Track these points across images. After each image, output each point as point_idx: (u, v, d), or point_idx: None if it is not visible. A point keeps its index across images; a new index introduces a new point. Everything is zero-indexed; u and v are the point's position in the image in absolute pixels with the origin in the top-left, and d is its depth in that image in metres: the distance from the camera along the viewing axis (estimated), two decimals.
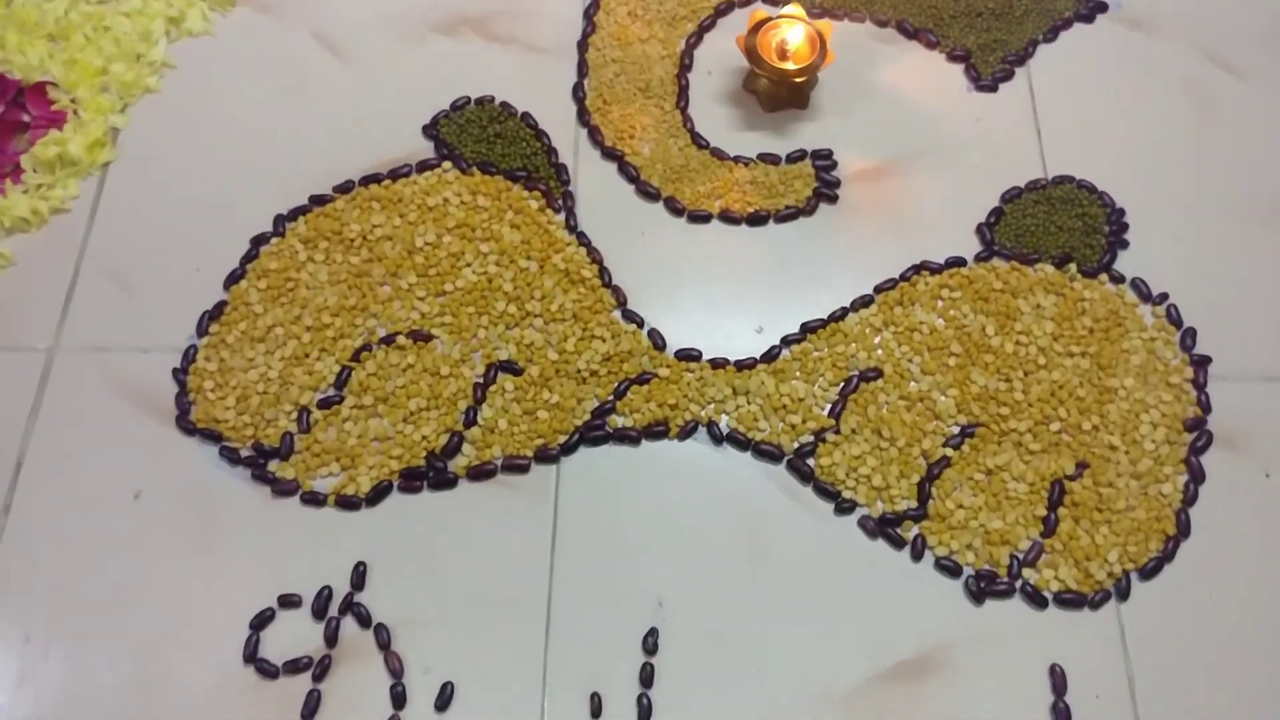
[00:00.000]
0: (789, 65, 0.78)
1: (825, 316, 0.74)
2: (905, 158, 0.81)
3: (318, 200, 0.79)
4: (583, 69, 0.84)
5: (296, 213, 0.78)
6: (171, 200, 0.80)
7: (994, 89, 0.84)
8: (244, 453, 0.70)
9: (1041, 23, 0.86)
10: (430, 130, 0.82)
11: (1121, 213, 0.78)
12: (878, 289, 0.75)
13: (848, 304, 0.75)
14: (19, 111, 0.82)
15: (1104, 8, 0.87)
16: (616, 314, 0.75)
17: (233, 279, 0.76)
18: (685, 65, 0.85)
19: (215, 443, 0.70)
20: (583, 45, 0.85)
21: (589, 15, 0.87)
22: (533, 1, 0.88)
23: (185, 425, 0.71)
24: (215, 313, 0.75)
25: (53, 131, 0.81)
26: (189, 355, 0.73)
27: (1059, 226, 0.77)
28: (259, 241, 0.77)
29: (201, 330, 0.74)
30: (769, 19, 0.80)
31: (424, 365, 0.73)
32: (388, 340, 0.73)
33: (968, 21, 0.86)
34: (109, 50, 0.85)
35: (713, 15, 0.87)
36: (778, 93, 0.82)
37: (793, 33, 0.79)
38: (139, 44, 0.85)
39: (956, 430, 0.70)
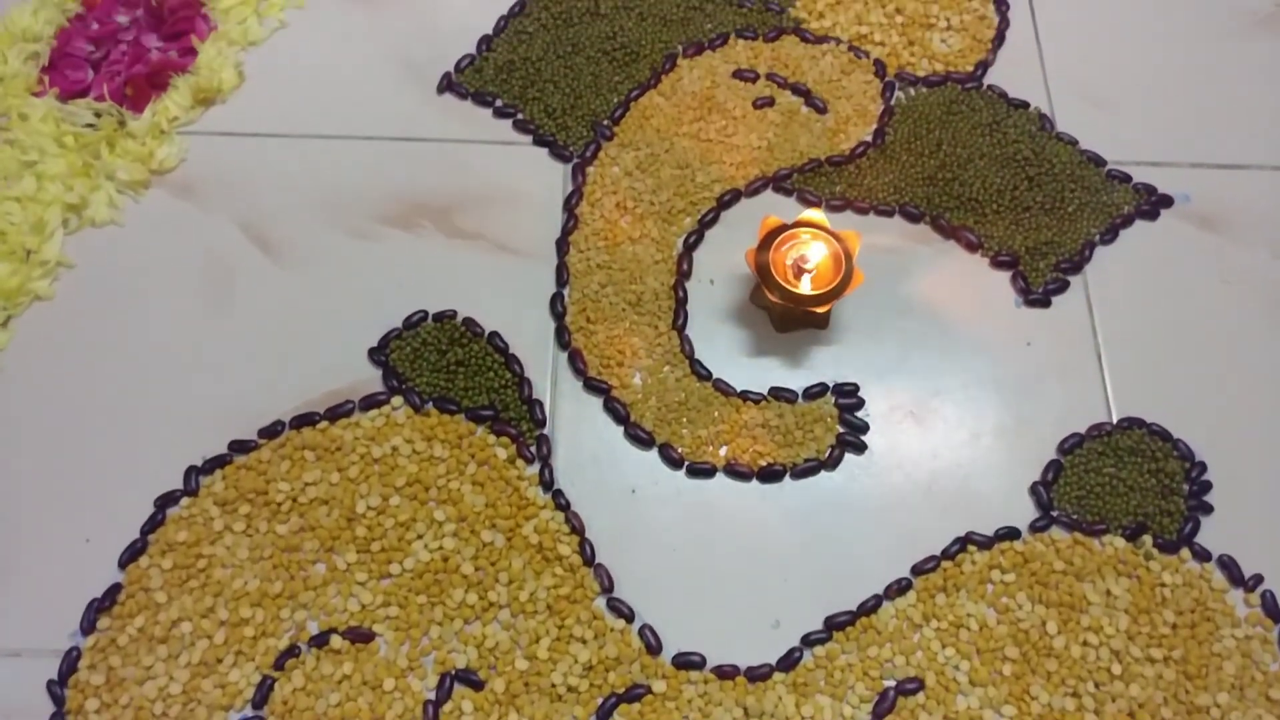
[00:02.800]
0: (807, 289, 0.67)
1: (854, 608, 0.63)
2: (943, 393, 0.70)
3: (239, 447, 0.67)
4: (563, 275, 0.73)
5: (213, 464, 0.66)
6: (59, 443, 0.67)
7: (1046, 303, 0.73)
8: None
9: (1098, 220, 0.76)
10: (378, 355, 0.70)
11: (1202, 468, 0.67)
12: (916, 570, 0.64)
13: (880, 590, 0.64)
14: None
15: (1169, 202, 0.77)
16: (600, 602, 0.63)
17: (130, 554, 0.63)
18: (683, 272, 0.73)
19: None
20: (563, 245, 0.74)
21: (570, 207, 0.75)
22: (504, 190, 0.76)
23: None
24: (106, 602, 0.62)
25: None
26: (69, 662, 0.60)
27: (1129, 486, 0.67)
28: (165, 502, 0.65)
29: (88, 626, 0.62)
30: (783, 227, 0.69)
31: (363, 676, 0.60)
32: (320, 641, 0.61)
33: (1013, 218, 0.75)
34: None
35: (715, 207, 0.76)
36: (793, 312, 0.70)
37: (813, 250, 0.67)
38: (29, 237, 0.73)
39: None
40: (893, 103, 0.80)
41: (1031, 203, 0.76)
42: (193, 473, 0.66)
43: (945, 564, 0.64)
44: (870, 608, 0.63)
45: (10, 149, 0.76)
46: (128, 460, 0.67)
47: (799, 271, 0.68)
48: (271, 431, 0.67)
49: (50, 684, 0.60)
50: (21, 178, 0.75)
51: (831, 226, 0.69)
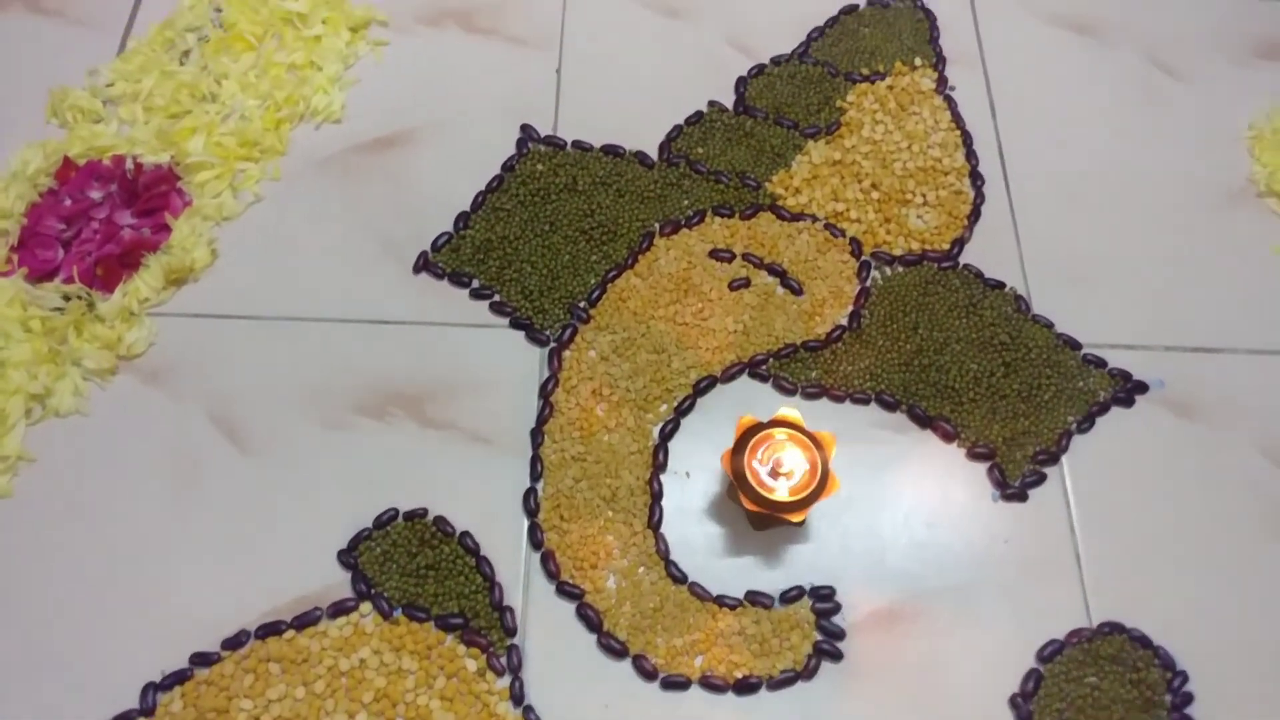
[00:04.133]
0: (784, 490, 0.67)
1: None
2: (920, 596, 0.70)
3: (201, 660, 0.66)
4: (537, 468, 0.73)
5: (172, 680, 0.65)
6: (7, 655, 0.66)
7: (1024, 498, 0.74)
8: None
9: (1075, 407, 0.77)
10: (348, 557, 0.70)
11: (1184, 677, 0.67)
12: None
13: None
14: None
15: (1144, 388, 0.78)
16: None
17: None
18: (659, 464, 0.74)
19: None
20: (537, 435, 0.74)
21: (545, 394, 0.76)
22: (479, 375, 0.77)
23: None
24: None
25: None
26: None
27: (1110, 698, 0.67)
28: None
29: None
30: (759, 426, 0.69)
31: None
32: None
33: (990, 406, 0.76)
34: None
35: (691, 395, 0.76)
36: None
37: (789, 455, 0.68)
38: None
39: None
40: (869, 283, 0.82)
41: (1008, 390, 0.77)
42: (150, 689, 0.65)
43: None
44: None
45: None
46: (83, 674, 0.66)
47: (775, 473, 0.68)
48: (236, 642, 0.67)
49: None
50: None
51: (806, 422, 0.69)
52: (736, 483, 0.68)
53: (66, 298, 0.78)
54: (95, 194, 0.83)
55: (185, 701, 0.65)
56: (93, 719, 0.64)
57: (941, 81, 0.93)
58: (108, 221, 0.82)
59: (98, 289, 0.79)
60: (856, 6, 0.98)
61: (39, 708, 0.64)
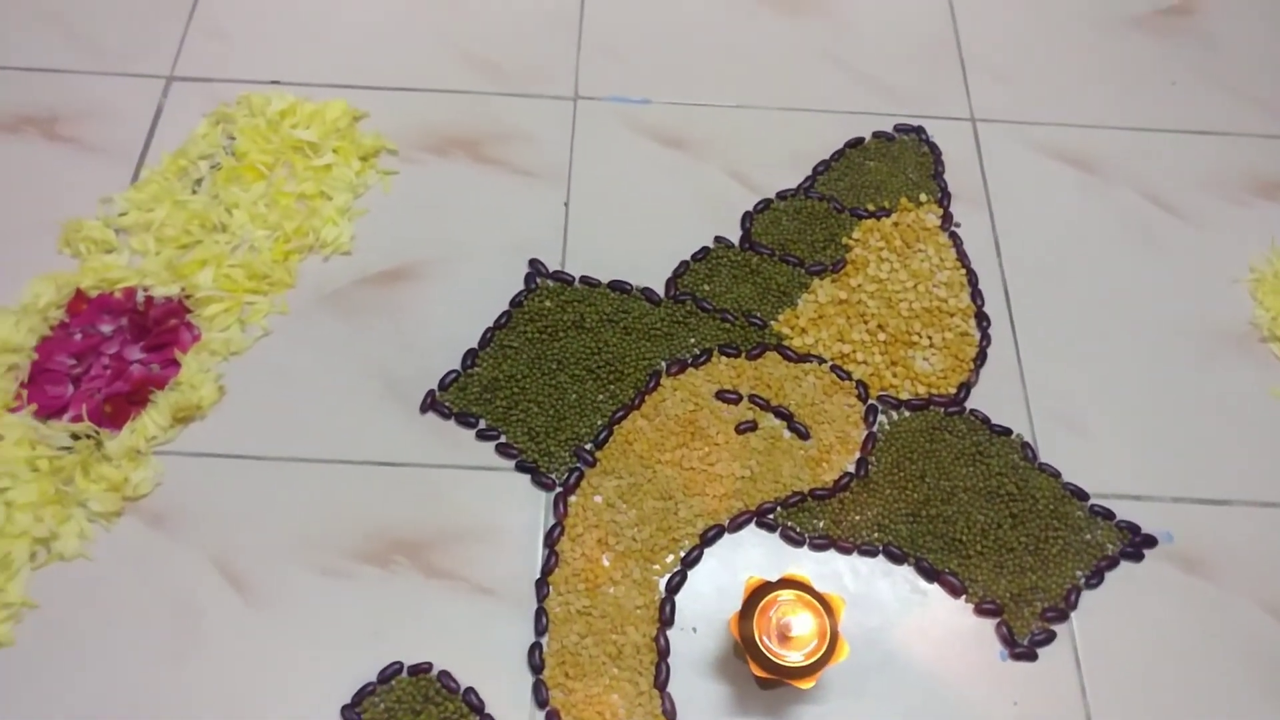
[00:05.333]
0: (791, 659, 0.68)
1: None
2: None
3: None
4: (541, 623, 0.74)
5: None
6: None
7: (1033, 657, 0.74)
8: None
9: (1083, 561, 0.78)
10: (350, 713, 0.70)
11: None
12: None
13: None
14: None
15: (1153, 542, 0.79)
16: None
17: None
18: (665, 618, 0.74)
19: None
20: (542, 586, 0.75)
21: (550, 543, 0.77)
22: (484, 521, 0.78)
23: None
24: None
25: None
26: None
27: None
28: None
29: None
30: (767, 587, 0.70)
31: None
32: None
33: (997, 559, 0.77)
34: None
35: (699, 545, 0.77)
36: None
37: (798, 620, 0.69)
38: None
39: None
40: (875, 428, 0.83)
41: (1015, 543, 0.78)
42: None
43: None
44: None
45: None
46: None
47: (783, 636, 0.69)
48: None
49: None
50: None
51: (814, 578, 0.70)
52: (745, 649, 0.68)
53: (75, 436, 0.79)
54: (106, 328, 0.85)
55: None
56: None
57: (946, 218, 0.95)
58: (117, 357, 0.83)
59: (105, 427, 0.80)
60: (862, 139, 1.00)
61: None
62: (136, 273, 0.88)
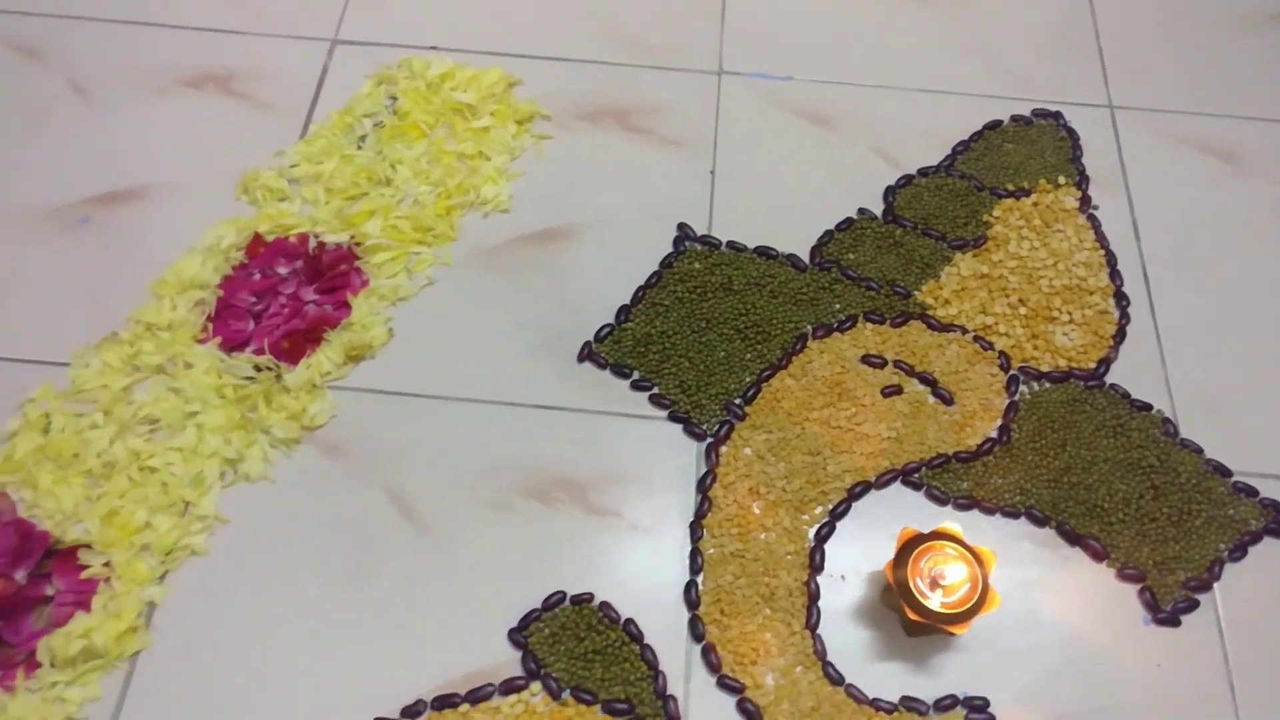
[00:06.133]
0: (944, 606, 0.71)
1: None
2: (1073, 715, 0.73)
3: None
4: (696, 562, 0.78)
5: None
6: (206, 710, 0.72)
7: (1176, 623, 0.77)
8: None
9: (1226, 535, 0.80)
10: (517, 636, 0.74)
11: None
12: None
13: None
14: (42, 583, 0.75)
15: None
16: None
17: None
18: (815, 566, 0.78)
19: None
20: (696, 530, 0.79)
21: (703, 489, 0.81)
22: (639, 466, 0.82)
23: None
24: None
25: (78, 616, 0.74)
26: None
27: None
28: None
29: None
30: (920, 538, 0.73)
31: None
32: None
33: (1139, 529, 0.80)
34: (154, 498, 0.79)
35: (846, 499, 0.81)
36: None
37: (951, 569, 0.72)
38: (189, 490, 0.79)
39: None
40: (1017, 398, 0.86)
41: (1158, 513, 0.80)
42: None
43: None
44: None
45: (175, 398, 0.83)
46: None
47: (934, 584, 0.72)
48: (414, 711, 0.71)
49: None
50: (184, 429, 0.82)
51: (965, 537, 0.73)
52: (899, 593, 0.72)
53: (257, 368, 0.85)
54: (282, 270, 0.90)
55: None
56: None
57: (1085, 201, 0.98)
58: (294, 297, 0.89)
59: (284, 361, 0.85)
60: (1000, 122, 1.03)
61: None
62: (308, 220, 0.93)
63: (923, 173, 0.99)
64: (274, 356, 0.85)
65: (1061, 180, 0.99)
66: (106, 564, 0.76)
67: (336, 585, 0.76)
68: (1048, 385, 0.87)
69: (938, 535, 0.74)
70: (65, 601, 0.75)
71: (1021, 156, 1.01)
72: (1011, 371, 0.87)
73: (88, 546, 0.76)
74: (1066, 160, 1.01)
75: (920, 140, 1.02)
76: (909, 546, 0.73)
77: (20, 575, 0.75)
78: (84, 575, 0.75)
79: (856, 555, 0.79)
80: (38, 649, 0.73)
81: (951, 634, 0.74)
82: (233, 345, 0.86)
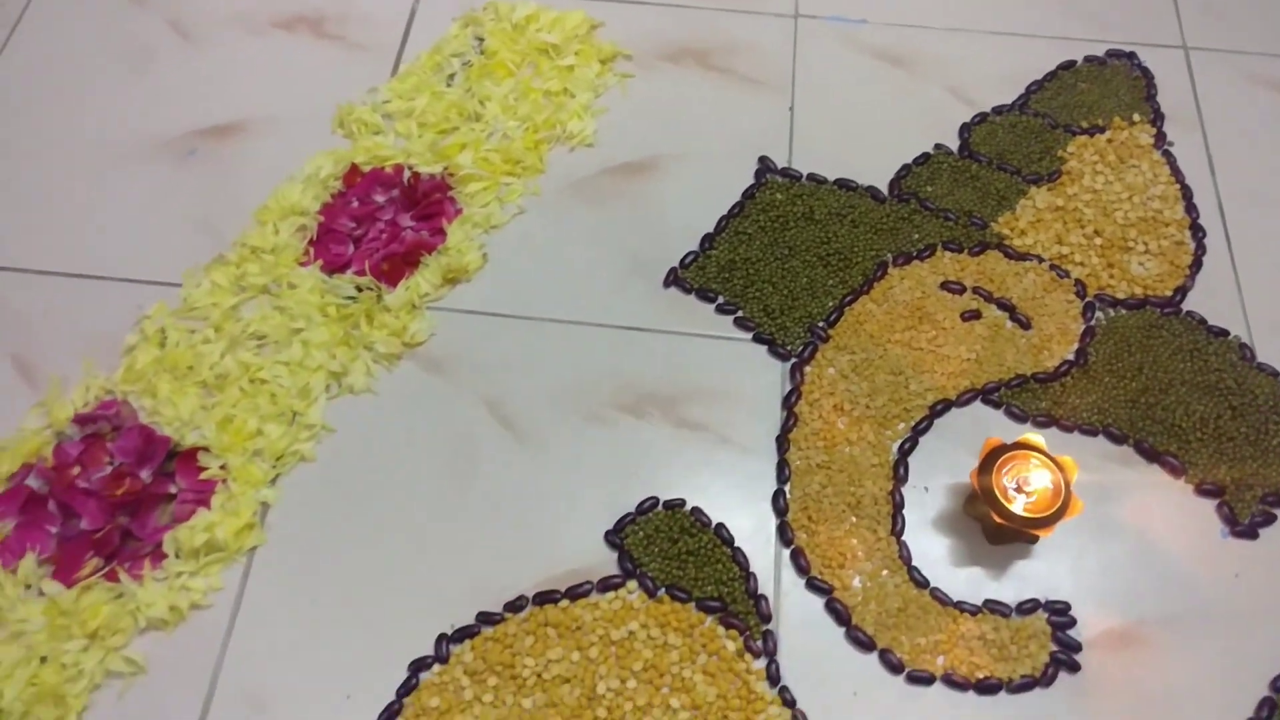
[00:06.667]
0: (1027, 510, 0.74)
1: None
2: (1153, 621, 0.75)
3: (486, 619, 0.75)
4: (784, 472, 0.81)
5: (462, 634, 0.74)
6: (320, 601, 0.76)
7: (1254, 535, 0.79)
8: None
9: None
10: (613, 537, 0.78)
11: None
12: None
13: None
14: (166, 482, 0.80)
15: None
16: None
17: (388, 716, 0.71)
18: (899, 477, 0.81)
19: None
20: (783, 443, 0.82)
21: (789, 405, 0.84)
22: (726, 383, 0.85)
23: None
24: None
25: (200, 513, 0.78)
26: None
27: None
28: (418, 667, 0.73)
29: None
30: (1002, 448, 0.76)
31: None
32: None
33: (1216, 447, 0.82)
34: (264, 408, 0.83)
35: (928, 416, 0.83)
36: (1006, 527, 0.77)
37: (1036, 476, 0.74)
38: (297, 401, 0.83)
39: None
40: (1093, 323, 0.88)
41: (1235, 433, 0.82)
42: (443, 640, 0.74)
43: None
44: None
45: (280, 315, 0.87)
46: (382, 621, 0.75)
47: (1019, 490, 0.75)
48: (516, 606, 0.75)
49: None
50: (290, 344, 0.86)
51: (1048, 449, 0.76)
52: (985, 499, 0.74)
53: (359, 289, 0.89)
54: (379, 198, 0.94)
55: (475, 654, 0.73)
56: (396, 660, 0.73)
57: (1160, 138, 0.99)
58: (391, 223, 0.93)
59: (383, 283, 0.89)
60: (1074, 63, 1.05)
61: (349, 653, 0.74)
62: (402, 153, 0.97)
63: (997, 111, 1.01)
64: (374, 278, 0.89)
65: (1136, 118, 1.00)
66: (223, 467, 0.80)
67: (440, 490, 0.80)
68: (1124, 312, 0.89)
69: (1021, 445, 0.76)
70: (187, 499, 0.79)
71: (1095, 95, 1.02)
72: (1088, 299, 0.89)
73: (205, 450, 0.81)
74: (1141, 99, 1.02)
75: (994, 81, 1.04)
76: (993, 455, 0.76)
77: (145, 474, 0.79)
78: (203, 476, 0.80)
79: (939, 469, 0.81)
80: (164, 542, 0.77)
81: (1035, 537, 0.76)
82: (334, 268, 0.90)
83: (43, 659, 0.73)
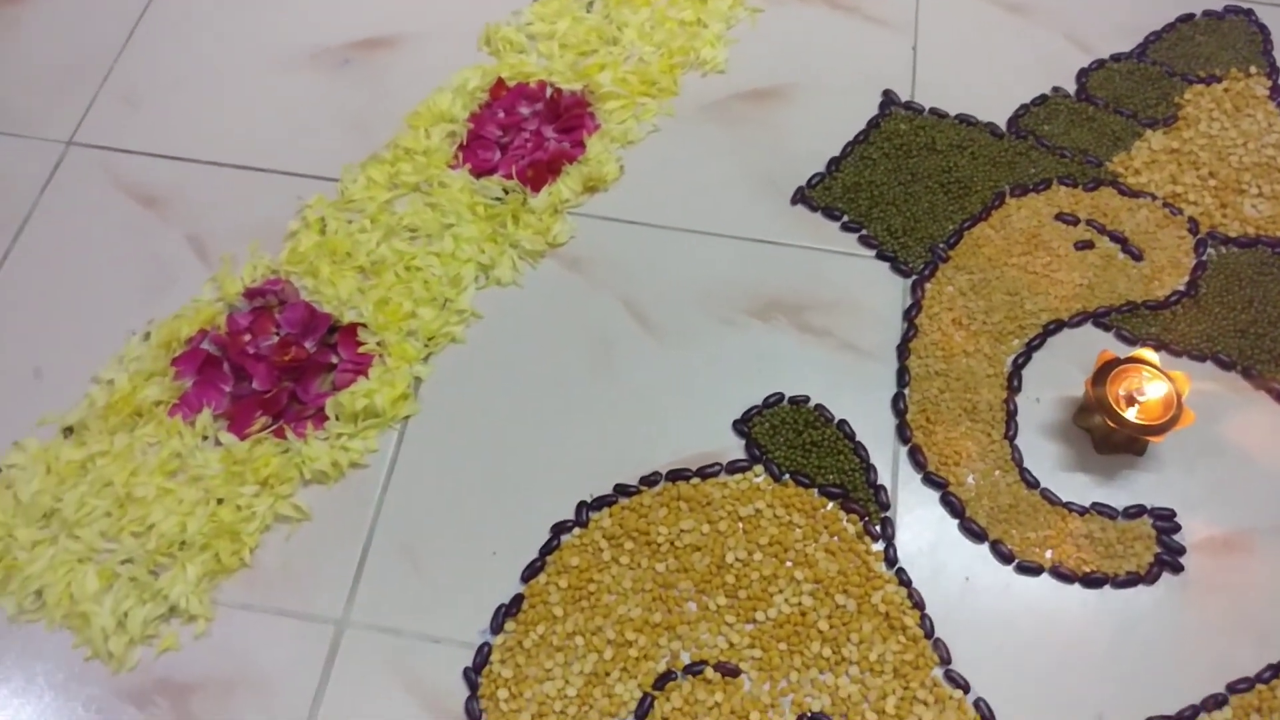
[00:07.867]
0: (1142, 419, 0.78)
1: (1173, 714, 0.72)
2: (1254, 532, 0.79)
3: (623, 491, 0.80)
4: (903, 378, 0.85)
5: (600, 502, 0.80)
6: (469, 467, 0.82)
7: None
8: None
9: None
10: (741, 426, 0.83)
11: None
12: (1231, 688, 0.73)
13: (1197, 700, 0.72)
14: (328, 352, 0.86)
15: None
16: (938, 672, 0.73)
17: (531, 572, 0.77)
18: (1013, 388, 0.85)
19: None
20: (903, 351, 0.87)
21: (909, 318, 0.88)
22: (849, 295, 0.90)
23: None
24: (512, 609, 0.76)
25: (360, 380, 0.84)
26: (482, 654, 0.74)
27: None
28: (560, 530, 0.79)
29: (496, 627, 0.75)
30: (1116, 361, 0.80)
31: (731, 707, 0.72)
32: (693, 670, 0.73)
33: None
34: (418, 292, 0.89)
35: (1041, 333, 0.87)
36: (1114, 436, 0.81)
37: (1151, 387, 0.78)
38: (448, 289, 0.89)
39: None
40: (1205, 258, 0.91)
41: None
42: (584, 507, 0.80)
43: (1260, 687, 0.73)
44: (1188, 717, 0.72)
45: (432, 211, 0.93)
46: (526, 487, 0.81)
47: (1130, 401, 0.79)
48: (650, 480, 0.81)
49: (466, 671, 0.74)
50: (442, 237, 0.92)
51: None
52: (1098, 407, 0.79)
53: (505, 190, 0.94)
54: (524, 110, 1.00)
55: (613, 520, 0.79)
56: (539, 523, 0.79)
57: (1275, 90, 1.02)
58: (536, 133, 0.98)
59: (528, 187, 0.95)
60: (1192, 16, 1.08)
61: (494, 515, 0.80)
62: (545, 70, 1.02)
63: (1115, 58, 1.05)
64: (520, 182, 0.95)
65: (1253, 70, 1.03)
66: (379, 343, 0.87)
67: (579, 376, 0.86)
68: (1235, 249, 0.92)
69: (1133, 360, 0.80)
70: (346, 369, 0.85)
71: (1213, 47, 1.05)
72: (1200, 236, 0.93)
73: (364, 326, 0.87)
74: (1258, 53, 1.05)
75: (1113, 30, 1.07)
76: (1107, 368, 0.80)
77: (309, 344, 0.86)
78: (361, 350, 0.86)
79: (1050, 383, 0.85)
80: (326, 406, 0.84)
81: (1144, 448, 0.80)
82: (481, 171, 0.96)
83: (219, 500, 0.80)
